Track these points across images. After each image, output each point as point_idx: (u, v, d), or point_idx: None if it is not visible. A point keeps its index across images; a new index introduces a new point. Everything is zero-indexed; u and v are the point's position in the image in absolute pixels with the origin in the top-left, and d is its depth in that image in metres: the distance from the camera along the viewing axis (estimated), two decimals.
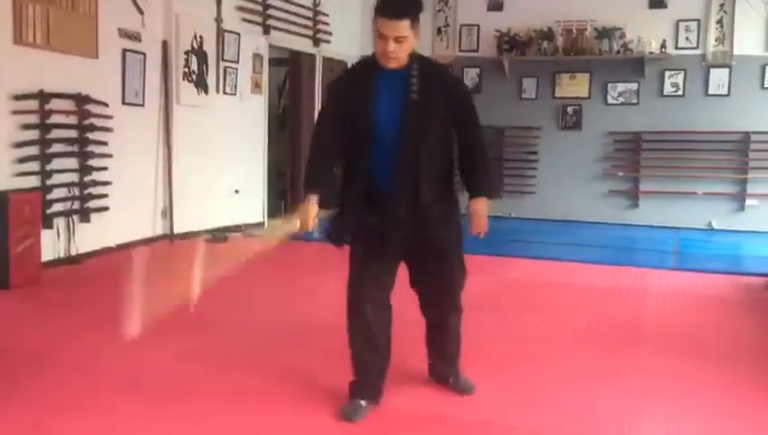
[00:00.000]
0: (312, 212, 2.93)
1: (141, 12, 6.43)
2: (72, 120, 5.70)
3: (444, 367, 3.26)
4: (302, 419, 2.91)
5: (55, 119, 5.53)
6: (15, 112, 5.22)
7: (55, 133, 5.53)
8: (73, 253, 5.72)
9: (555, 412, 3.07)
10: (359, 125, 2.89)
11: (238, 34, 7.58)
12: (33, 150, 5.36)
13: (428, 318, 3.20)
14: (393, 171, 2.89)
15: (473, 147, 3.02)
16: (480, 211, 3.01)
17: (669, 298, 5.36)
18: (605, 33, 9.01)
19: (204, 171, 7.24)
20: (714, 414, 3.10)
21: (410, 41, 2.81)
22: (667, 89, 9.05)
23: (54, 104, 5.50)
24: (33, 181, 5.37)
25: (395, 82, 2.89)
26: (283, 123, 9.05)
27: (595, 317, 4.69)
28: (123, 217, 6.27)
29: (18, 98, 5.22)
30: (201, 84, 7.17)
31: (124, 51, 6.27)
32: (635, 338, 4.25)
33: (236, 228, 7.60)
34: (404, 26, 2.76)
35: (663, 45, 8.88)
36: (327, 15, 8.94)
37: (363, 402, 2.94)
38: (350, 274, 2.99)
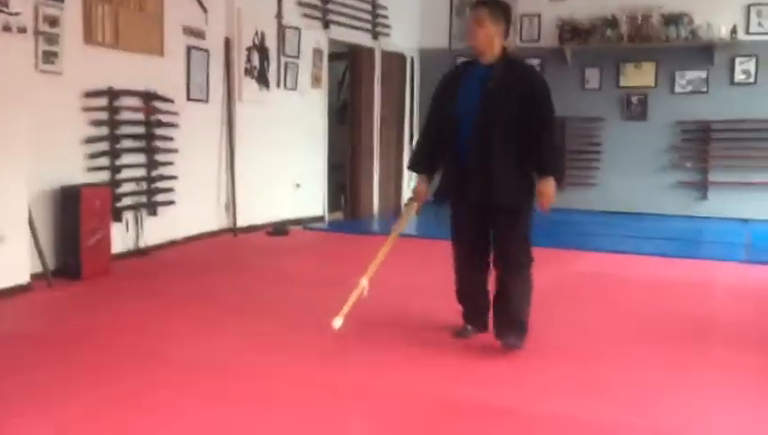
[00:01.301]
0: (424, 189, 3.71)
1: (205, 10, 6.56)
2: (140, 116, 5.86)
3: (500, 327, 3.58)
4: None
5: (124, 115, 5.69)
6: (86, 109, 5.39)
7: (124, 129, 5.69)
8: (141, 245, 5.89)
9: (622, 406, 3.01)
10: (447, 111, 3.59)
11: (299, 30, 7.65)
12: (103, 146, 5.53)
13: (498, 276, 3.59)
14: (470, 148, 3.48)
15: (539, 132, 3.44)
16: (544, 190, 3.48)
17: (740, 292, 5.18)
18: (672, 20, 8.74)
19: (265, 165, 7.34)
20: None
21: (488, 27, 3.47)
22: (738, 76, 8.72)
23: (123, 101, 5.67)
24: (104, 176, 5.54)
25: (480, 74, 3.52)
26: (342, 117, 9.09)
27: (662, 310, 4.57)
28: (188, 211, 6.41)
29: (89, 95, 5.39)
30: (262, 80, 7.28)
31: (189, 48, 6.41)
32: (704, 332, 4.13)
33: (297, 222, 7.70)
34: (483, 13, 3.51)
35: (733, 31, 8.56)
36: (386, 9, 8.95)
37: (470, 327, 3.77)
38: (451, 232, 3.72)
